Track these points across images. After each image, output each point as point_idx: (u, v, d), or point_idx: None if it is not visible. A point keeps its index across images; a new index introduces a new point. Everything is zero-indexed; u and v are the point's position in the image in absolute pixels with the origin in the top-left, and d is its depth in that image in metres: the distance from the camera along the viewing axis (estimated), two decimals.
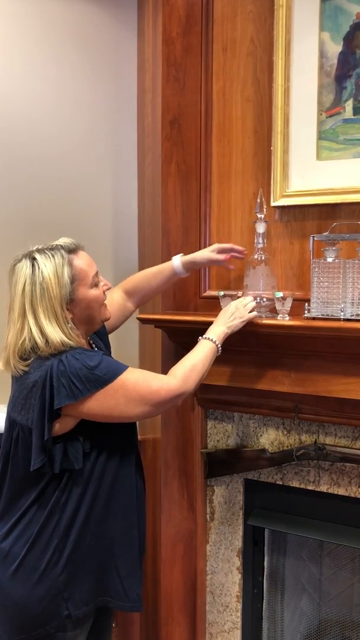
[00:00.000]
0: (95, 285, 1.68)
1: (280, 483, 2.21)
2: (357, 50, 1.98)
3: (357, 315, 1.84)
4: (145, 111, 2.41)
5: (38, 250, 1.63)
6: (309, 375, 1.98)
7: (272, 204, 2.11)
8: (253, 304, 1.91)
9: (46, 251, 1.62)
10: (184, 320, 2.12)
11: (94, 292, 1.67)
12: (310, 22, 2.02)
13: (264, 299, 1.98)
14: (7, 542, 1.63)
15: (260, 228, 2.04)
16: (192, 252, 2.26)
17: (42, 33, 2.34)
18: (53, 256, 1.60)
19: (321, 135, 2.05)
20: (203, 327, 1.84)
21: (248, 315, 1.87)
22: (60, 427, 1.58)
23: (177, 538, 2.38)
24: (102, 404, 1.57)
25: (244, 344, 1.98)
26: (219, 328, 1.82)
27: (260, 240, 2.04)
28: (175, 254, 2.22)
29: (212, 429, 2.34)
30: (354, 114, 1.99)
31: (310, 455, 2.10)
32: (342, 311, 1.85)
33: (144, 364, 2.47)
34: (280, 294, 1.93)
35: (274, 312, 1.98)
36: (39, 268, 1.59)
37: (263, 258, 2.03)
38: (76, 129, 2.43)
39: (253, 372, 2.08)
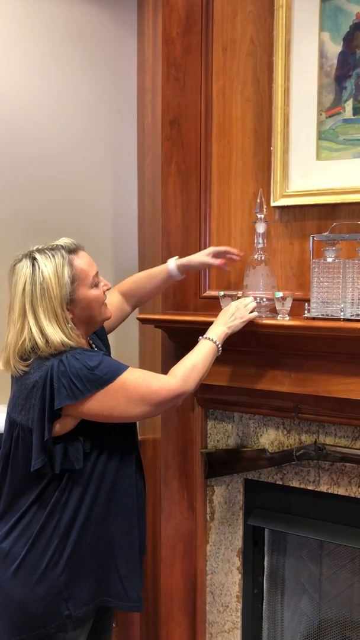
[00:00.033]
0: (96, 285, 1.69)
1: (280, 483, 2.21)
2: (357, 50, 1.98)
3: (357, 315, 1.85)
4: (145, 111, 2.41)
5: (38, 250, 1.63)
6: (309, 375, 1.98)
7: (272, 204, 2.11)
8: (254, 304, 1.91)
9: (46, 251, 1.62)
10: (184, 320, 2.12)
11: (94, 292, 1.67)
12: (310, 22, 2.02)
13: (264, 299, 1.98)
14: (8, 542, 1.63)
15: (260, 228, 2.04)
16: (192, 252, 2.27)
17: (42, 33, 2.34)
18: (53, 256, 1.60)
19: (321, 135, 2.05)
20: (203, 327, 1.85)
21: (249, 316, 1.87)
22: (61, 427, 1.58)
23: (177, 538, 2.38)
24: (102, 404, 1.57)
25: (244, 344, 1.98)
26: (220, 328, 1.82)
27: (260, 240, 2.04)
28: (176, 254, 2.22)
29: (212, 429, 2.34)
30: (354, 114, 2.00)
31: (310, 455, 2.10)
32: (342, 311, 1.86)
33: (144, 364, 2.47)
34: (280, 294, 1.93)
35: (274, 312, 1.98)
36: (39, 268, 1.59)
37: (263, 258, 2.03)
38: (76, 129, 2.43)
39: (253, 372, 2.08)
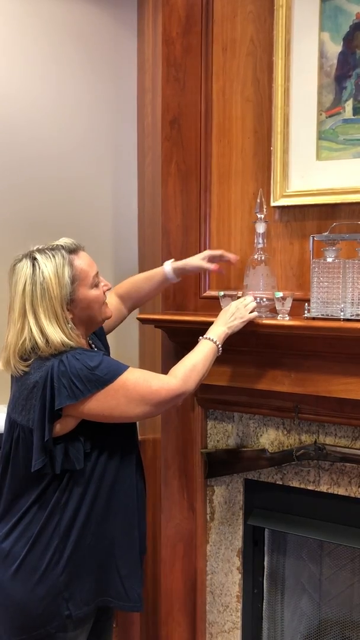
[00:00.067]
0: (96, 285, 1.69)
1: (280, 483, 2.21)
2: (357, 50, 1.98)
3: (357, 315, 1.85)
4: (145, 111, 2.41)
5: (39, 250, 1.63)
6: (309, 375, 1.98)
7: (272, 204, 2.11)
8: (254, 304, 1.91)
9: (47, 251, 1.62)
10: (184, 320, 2.12)
11: (94, 293, 1.67)
12: (310, 22, 2.02)
13: (264, 299, 1.98)
14: (8, 543, 1.63)
15: (260, 228, 2.04)
16: (192, 252, 2.27)
17: (42, 33, 2.34)
18: (54, 256, 1.60)
19: (321, 135, 2.05)
20: (203, 327, 1.85)
21: (249, 316, 1.87)
22: (61, 427, 1.58)
23: (177, 538, 2.38)
24: (102, 404, 1.57)
25: (244, 344, 1.98)
26: (220, 328, 1.82)
27: (260, 240, 2.04)
28: (176, 254, 2.23)
29: (212, 429, 2.34)
30: (354, 114, 1.99)
31: (310, 455, 2.10)
32: (342, 311, 1.86)
33: (144, 364, 2.48)
34: (280, 294, 1.93)
35: (274, 312, 1.98)
36: (39, 268, 1.59)
37: (263, 258, 2.03)
38: (76, 129, 2.43)
39: (253, 372, 2.08)
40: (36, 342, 1.58)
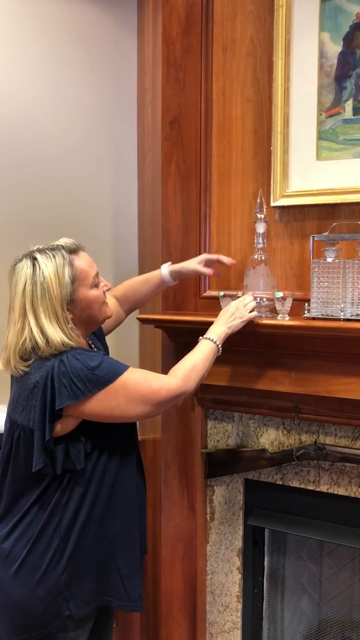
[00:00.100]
0: (96, 285, 1.69)
1: (280, 483, 2.21)
2: (357, 50, 1.98)
3: (357, 315, 1.85)
4: (145, 111, 2.41)
5: (39, 250, 1.63)
6: (309, 375, 1.98)
7: (272, 204, 2.11)
8: (253, 303, 1.91)
9: (47, 251, 1.62)
10: (184, 320, 2.12)
11: (94, 293, 1.68)
12: (310, 23, 2.02)
13: (264, 299, 1.98)
14: (8, 543, 1.63)
15: (260, 228, 2.04)
16: (192, 252, 2.28)
17: (42, 33, 2.34)
18: (54, 256, 1.60)
19: (321, 136, 2.05)
20: (203, 327, 1.85)
21: (248, 315, 1.87)
22: (62, 427, 1.58)
23: (177, 538, 2.38)
24: (103, 404, 1.57)
25: (244, 344, 1.98)
26: (220, 328, 1.82)
27: (260, 240, 2.04)
28: (176, 254, 2.23)
29: (212, 429, 2.34)
30: (354, 114, 2.00)
31: (310, 455, 2.10)
32: (342, 311, 1.86)
33: (144, 364, 2.48)
34: (280, 294, 1.93)
35: (274, 312, 1.98)
36: (39, 268, 1.59)
37: (263, 258, 2.03)
38: (76, 129, 2.43)
39: (253, 372, 2.08)
40: (36, 342, 1.58)
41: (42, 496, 1.62)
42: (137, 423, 1.86)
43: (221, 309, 1.94)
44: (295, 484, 2.18)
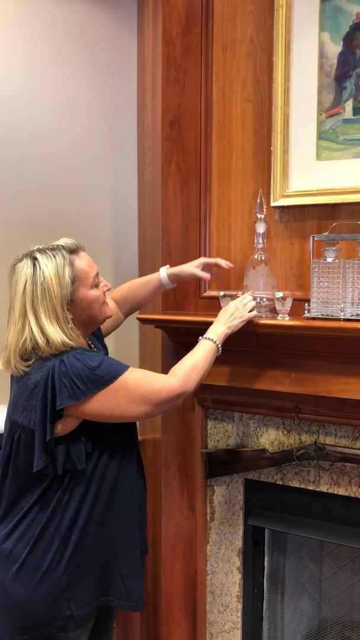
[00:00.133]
0: (96, 285, 1.69)
1: (281, 483, 2.21)
2: (357, 50, 1.98)
3: (357, 315, 1.85)
4: (145, 111, 2.41)
5: (39, 250, 1.63)
6: (309, 375, 1.98)
7: (272, 204, 2.11)
8: (253, 303, 1.91)
9: (47, 251, 1.62)
10: (184, 320, 2.12)
11: (94, 293, 1.68)
12: (310, 23, 2.02)
13: (264, 299, 1.99)
14: (9, 543, 1.63)
15: (260, 228, 2.04)
16: (192, 252, 2.28)
17: (42, 33, 2.34)
18: (54, 256, 1.60)
19: (321, 136, 2.05)
20: (203, 327, 1.85)
21: (248, 315, 1.87)
22: (63, 427, 1.58)
23: (177, 538, 2.38)
24: (103, 404, 1.57)
25: (244, 344, 1.98)
26: (219, 328, 1.82)
27: (260, 241, 2.04)
28: (176, 254, 2.23)
29: (212, 429, 2.34)
30: (354, 114, 2.00)
31: (310, 455, 2.10)
32: (342, 311, 1.86)
33: (144, 364, 2.48)
34: (280, 294, 1.93)
35: (274, 312, 1.98)
36: (40, 268, 1.59)
37: (263, 258, 2.03)
38: (76, 129, 2.43)
39: (253, 372, 2.08)
40: (37, 342, 1.58)
41: (42, 496, 1.62)
42: (137, 423, 1.86)
43: (221, 308, 1.94)
44: (295, 484, 2.18)
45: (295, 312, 1.95)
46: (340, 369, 1.92)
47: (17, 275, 1.62)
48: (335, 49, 2.01)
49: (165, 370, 1.75)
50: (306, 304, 1.92)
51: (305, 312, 1.91)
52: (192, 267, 2.04)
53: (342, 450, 2.05)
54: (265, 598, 2.37)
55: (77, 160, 2.44)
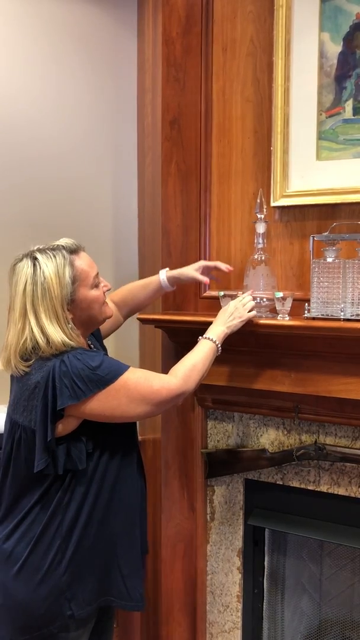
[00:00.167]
0: (96, 286, 1.69)
1: (281, 483, 2.21)
2: (357, 50, 1.98)
3: (357, 315, 1.85)
4: (145, 111, 2.41)
5: (39, 250, 1.63)
6: (309, 375, 1.98)
7: (272, 204, 2.11)
8: (252, 303, 1.91)
9: (47, 251, 1.62)
10: (184, 320, 2.12)
11: (94, 293, 1.68)
12: (310, 23, 2.02)
13: (264, 299, 1.99)
14: (10, 543, 1.63)
15: (260, 228, 2.04)
16: (192, 252, 2.28)
17: (42, 33, 2.34)
18: (54, 256, 1.60)
19: (321, 136, 2.05)
20: (203, 327, 1.85)
21: (247, 315, 1.87)
22: (63, 427, 1.58)
23: (177, 538, 2.38)
24: (104, 404, 1.57)
25: (244, 344, 1.98)
26: (219, 328, 1.82)
27: (260, 241, 2.04)
28: (176, 254, 2.23)
29: (213, 429, 2.34)
30: (354, 114, 2.00)
31: (310, 455, 2.10)
32: (342, 311, 1.86)
33: (144, 364, 2.48)
34: (280, 294, 1.93)
35: (274, 312, 1.98)
36: (40, 268, 1.59)
37: (263, 258, 2.03)
38: (76, 129, 2.43)
39: (253, 372, 2.08)
40: (37, 342, 1.58)
41: (43, 496, 1.62)
42: (137, 423, 1.86)
43: (221, 308, 1.94)
44: (295, 484, 2.18)
45: (295, 312, 1.96)
46: (340, 369, 1.92)
47: (17, 275, 1.62)
48: (335, 49, 2.01)
49: (165, 370, 1.75)
50: (306, 304, 1.92)
51: (305, 312, 1.92)
52: (192, 271, 2.04)
53: (342, 450, 2.05)
54: (265, 598, 2.37)
55: (77, 160, 2.44)
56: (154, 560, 2.38)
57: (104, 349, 1.92)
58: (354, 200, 1.98)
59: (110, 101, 2.49)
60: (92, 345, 1.80)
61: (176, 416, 2.33)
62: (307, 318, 1.91)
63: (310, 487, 2.16)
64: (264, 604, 2.37)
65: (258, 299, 1.97)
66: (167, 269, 2.05)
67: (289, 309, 1.94)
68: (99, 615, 1.74)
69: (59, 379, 1.54)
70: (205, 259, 2.28)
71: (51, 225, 2.28)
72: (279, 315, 1.94)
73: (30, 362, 1.60)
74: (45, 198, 2.38)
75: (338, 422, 2.06)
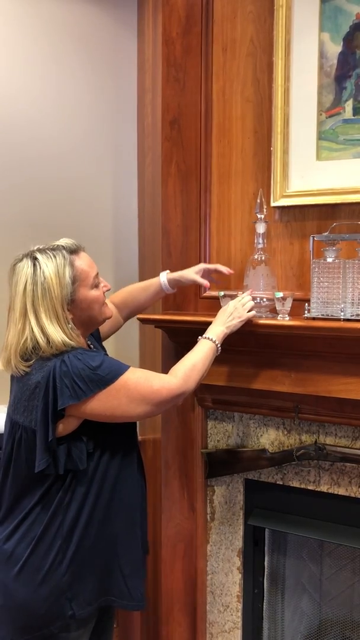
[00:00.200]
0: (96, 286, 1.69)
1: (281, 483, 2.21)
2: (357, 50, 1.98)
3: (357, 315, 1.85)
4: (145, 111, 2.41)
5: (39, 250, 1.63)
6: (309, 375, 1.98)
7: (272, 204, 2.11)
8: (251, 303, 1.91)
9: (47, 251, 1.62)
10: (184, 320, 2.12)
11: (94, 293, 1.68)
12: (310, 23, 2.03)
13: (264, 299, 1.99)
14: (11, 543, 1.63)
15: (260, 228, 2.04)
16: (192, 252, 2.28)
17: (42, 33, 2.34)
18: (54, 256, 1.60)
19: (321, 136, 2.05)
20: (203, 327, 1.85)
21: (247, 315, 1.87)
22: (64, 427, 1.58)
23: (177, 538, 2.38)
24: (104, 404, 1.58)
25: (244, 344, 1.98)
26: (218, 328, 1.82)
27: (260, 241, 2.04)
28: (176, 254, 2.23)
29: (213, 429, 2.34)
30: (354, 114, 2.00)
31: (310, 455, 2.10)
32: (342, 311, 1.86)
33: (144, 364, 2.48)
34: (280, 294, 1.93)
35: (274, 312, 1.98)
36: (40, 268, 1.59)
37: (263, 258, 2.03)
38: (76, 129, 2.43)
39: (253, 372, 2.08)
40: (37, 342, 1.58)
41: (44, 497, 1.62)
42: (137, 423, 1.86)
43: (221, 308, 1.94)
44: (295, 484, 2.18)
45: (295, 312, 1.96)
46: (340, 369, 1.92)
47: (17, 275, 1.62)
48: (335, 49, 2.01)
49: (165, 370, 1.75)
50: (306, 304, 1.92)
51: (305, 312, 1.92)
52: (192, 274, 2.04)
53: (342, 450, 2.05)
54: (265, 598, 2.37)
55: (77, 160, 2.44)
56: (154, 560, 2.38)
57: (103, 350, 1.92)
58: (354, 200, 1.98)
59: (110, 101, 2.49)
60: (92, 346, 1.81)
61: (176, 416, 2.33)
62: (307, 318, 1.91)
63: (311, 487, 2.16)
64: (264, 604, 2.37)
65: (258, 299, 1.97)
66: (168, 271, 2.05)
67: (289, 309, 1.94)
68: (99, 615, 1.74)
69: (60, 379, 1.54)
70: (205, 259, 2.28)
71: (51, 225, 2.28)
72: (279, 315, 1.94)
73: (31, 362, 1.60)
74: (45, 198, 2.38)
75: (338, 422, 2.06)
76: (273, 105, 2.09)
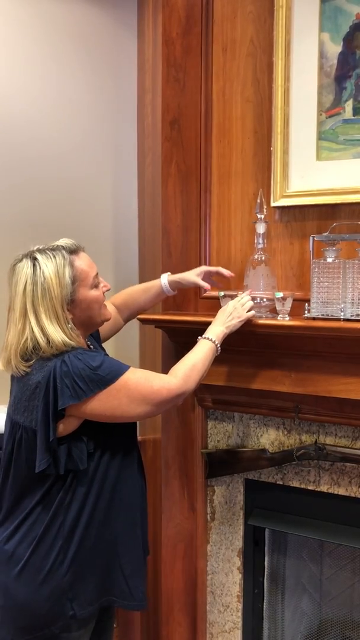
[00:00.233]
0: (96, 286, 1.69)
1: (281, 483, 2.21)
2: (357, 50, 1.98)
3: (357, 315, 1.85)
4: (145, 112, 2.41)
5: (39, 251, 1.63)
6: (309, 375, 1.98)
7: (272, 204, 2.11)
8: (251, 303, 1.91)
9: (47, 251, 1.62)
10: (184, 321, 2.12)
11: (94, 293, 1.68)
12: (310, 23, 2.03)
13: (264, 299, 1.99)
14: (11, 544, 1.63)
15: (260, 228, 2.04)
16: (192, 252, 2.28)
17: (42, 33, 2.34)
18: (54, 256, 1.60)
19: (321, 136, 2.05)
20: (203, 327, 1.85)
21: (246, 315, 1.87)
22: (64, 427, 1.58)
23: (177, 538, 2.38)
24: (105, 404, 1.58)
25: (244, 344, 1.98)
26: (218, 328, 1.82)
27: (260, 241, 2.04)
28: (176, 255, 2.23)
29: (213, 429, 2.35)
30: (354, 115, 2.00)
31: (310, 455, 2.10)
32: (342, 311, 1.86)
33: (144, 364, 2.48)
34: (280, 294, 1.93)
35: (274, 312, 1.98)
36: (40, 268, 1.59)
37: (263, 258, 2.04)
38: (76, 129, 2.43)
39: (253, 372, 2.08)
40: (37, 342, 1.58)
41: (45, 497, 1.62)
42: (137, 423, 1.86)
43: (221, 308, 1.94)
44: (295, 484, 2.18)
45: (295, 312, 1.96)
46: (340, 369, 1.92)
47: (17, 275, 1.62)
48: (335, 49, 2.01)
49: (165, 370, 1.75)
50: (306, 304, 1.92)
51: (305, 312, 1.92)
52: (194, 276, 2.04)
53: (342, 450, 2.05)
54: (265, 598, 2.37)
55: (77, 160, 2.44)
56: (154, 560, 2.38)
57: (103, 350, 1.92)
58: (354, 201, 1.98)
59: (110, 101, 2.49)
60: (91, 346, 1.81)
61: (176, 416, 2.33)
62: (307, 318, 1.91)
63: (311, 487, 2.16)
64: (264, 604, 2.37)
65: (258, 299, 1.97)
66: (169, 273, 2.05)
67: (289, 309, 1.94)
68: (98, 615, 1.74)
69: (60, 379, 1.54)
70: (205, 259, 2.28)
71: (51, 225, 2.28)
72: (279, 316, 1.94)
73: (31, 362, 1.60)
74: (45, 198, 2.38)
75: (338, 422, 2.06)
76: (273, 106, 2.09)
